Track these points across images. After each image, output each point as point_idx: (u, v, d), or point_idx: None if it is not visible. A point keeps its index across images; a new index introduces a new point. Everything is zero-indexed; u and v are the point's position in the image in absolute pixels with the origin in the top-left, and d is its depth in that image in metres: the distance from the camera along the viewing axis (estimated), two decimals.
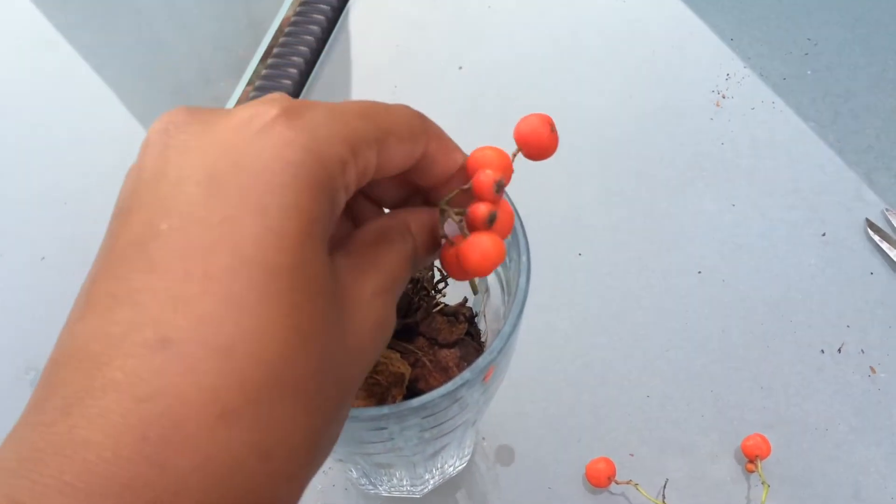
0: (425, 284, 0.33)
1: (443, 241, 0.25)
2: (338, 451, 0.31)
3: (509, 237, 0.29)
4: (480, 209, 0.24)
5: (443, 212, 0.25)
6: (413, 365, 0.31)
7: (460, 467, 0.42)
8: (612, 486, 0.43)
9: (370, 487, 0.41)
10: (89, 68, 0.61)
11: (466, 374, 0.26)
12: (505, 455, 0.44)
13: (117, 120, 0.58)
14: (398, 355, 0.30)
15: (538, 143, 0.27)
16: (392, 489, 0.41)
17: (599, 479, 0.42)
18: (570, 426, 0.45)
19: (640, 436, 0.44)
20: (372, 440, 0.29)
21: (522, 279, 0.28)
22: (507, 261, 0.31)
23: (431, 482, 0.40)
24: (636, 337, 0.47)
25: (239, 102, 0.58)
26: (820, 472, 0.43)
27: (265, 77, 0.58)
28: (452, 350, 0.32)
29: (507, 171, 0.26)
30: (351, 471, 0.38)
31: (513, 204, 0.29)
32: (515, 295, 0.28)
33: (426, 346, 0.32)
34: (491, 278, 0.33)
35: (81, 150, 0.57)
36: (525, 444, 0.45)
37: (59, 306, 0.51)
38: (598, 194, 0.52)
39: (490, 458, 0.44)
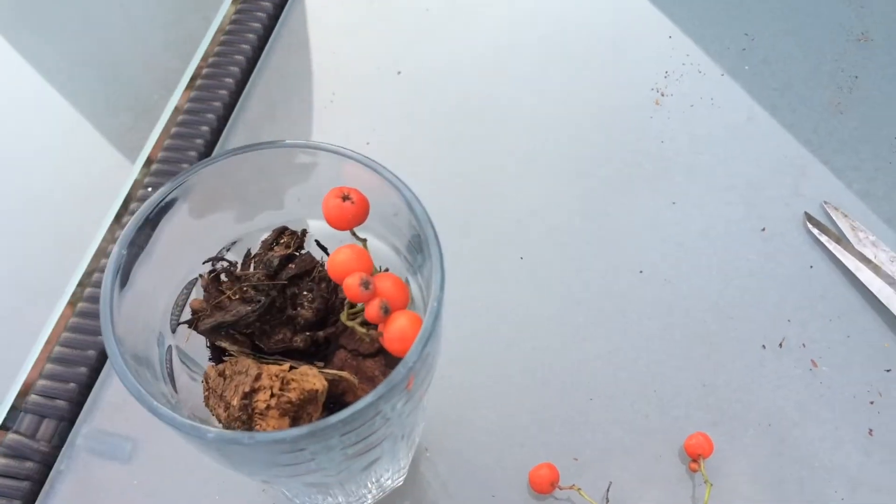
0: (341, 297, 0.33)
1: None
2: (259, 474, 0.30)
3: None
4: (370, 312, 0.28)
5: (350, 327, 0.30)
6: (336, 379, 0.31)
7: (400, 480, 0.41)
8: (556, 492, 0.42)
9: None
10: (23, 59, 0.60)
11: (381, 388, 0.25)
12: (448, 464, 0.44)
13: (53, 117, 0.57)
14: (315, 371, 0.29)
15: (332, 217, 0.30)
16: None
17: (542, 486, 0.42)
18: (513, 432, 0.44)
19: (584, 439, 0.44)
20: (291, 462, 0.28)
21: (437, 278, 0.27)
22: (419, 267, 0.31)
23: (370, 496, 0.39)
24: (578, 339, 0.47)
25: (173, 115, 0.57)
26: (764, 468, 0.43)
27: (200, 88, 0.57)
28: (377, 359, 0.31)
29: (365, 266, 0.29)
30: (284, 491, 0.37)
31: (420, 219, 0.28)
32: (429, 305, 0.27)
33: (349, 359, 0.31)
34: (414, 290, 0.32)
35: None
36: (468, 452, 0.44)
37: None
38: (537, 196, 0.52)
39: (433, 467, 0.44)
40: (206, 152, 0.54)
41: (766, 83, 0.56)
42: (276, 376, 0.28)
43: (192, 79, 0.58)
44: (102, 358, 0.47)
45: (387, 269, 0.31)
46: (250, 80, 0.58)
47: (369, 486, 0.37)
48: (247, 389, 0.28)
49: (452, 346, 0.47)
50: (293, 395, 0.27)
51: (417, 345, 0.26)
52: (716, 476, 0.42)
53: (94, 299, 0.48)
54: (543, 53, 0.58)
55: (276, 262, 0.31)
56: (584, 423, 0.44)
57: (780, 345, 0.46)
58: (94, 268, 0.50)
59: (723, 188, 0.51)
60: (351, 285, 0.28)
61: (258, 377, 0.28)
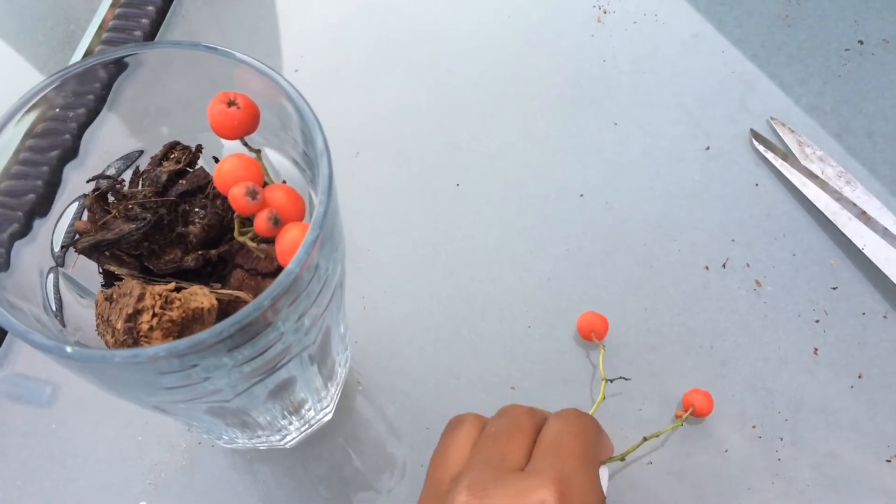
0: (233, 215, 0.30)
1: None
2: (145, 398, 0.28)
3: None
4: (259, 224, 0.26)
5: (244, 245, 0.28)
6: (234, 301, 0.29)
7: (328, 413, 0.40)
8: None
9: (229, 443, 0.38)
10: None
11: (263, 295, 0.23)
12: (383, 398, 0.42)
13: None
14: (205, 290, 0.27)
15: (216, 124, 0.27)
16: (256, 442, 0.38)
17: (585, 332, 0.42)
18: (449, 364, 0.43)
19: (522, 368, 0.42)
20: (180, 384, 0.26)
21: (324, 176, 0.25)
22: (313, 179, 0.29)
23: (293, 429, 0.38)
24: (517, 267, 0.45)
25: (89, 48, 0.53)
26: (706, 391, 0.41)
27: (120, 17, 0.54)
28: (276, 278, 0.29)
29: (254, 176, 0.27)
30: (195, 426, 0.35)
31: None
32: (316, 206, 0.25)
33: (246, 278, 0.29)
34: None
35: None
36: (403, 385, 0.42)
37: None
38: (474, 120, 0.50)
39: (367, 401, 0.42)
40: None
41: None
42: (160, 295, 0.26)
43: (113, 5, 0.55)
44: None
45: (283, 182, 0.29)
46: (171, 7, 0.55)
47: (287, 416, 0.35)
48: (130, 311, 0.26)
49: (386, 278, 0.45)
50: (175, 314, 0.25)
51: (304, 246, 0.24)
52: (654, 401, 0.41)
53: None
54: None
55: (164, 177, 0.29)
56: (521, 353, 0.43)
57: (724, 265, 0.45)
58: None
59: (667, 107, 0.49)
60: (236, 195, 0.26)
61: (141, 297, 0.26)
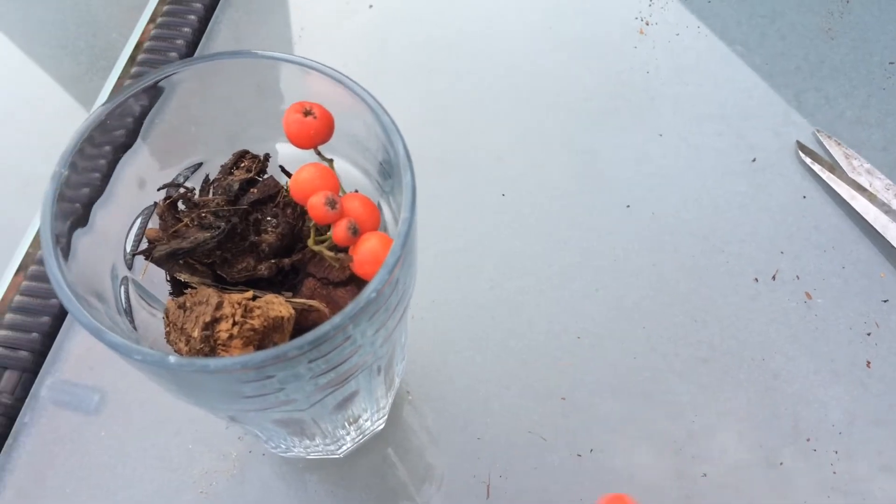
0: (309, 224, 0.30)
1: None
2: (225, 407, 0.28)
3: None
4: (338, 234, 0.26)
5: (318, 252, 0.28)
6: (308, 308, 0.28)
7: (380, 423, 0.40)
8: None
9: (283, 451, 0.38)
10: None
11: (349, 308, 0.23)
12: (432, 408, 0.42)
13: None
14: (281, 299, 0.27)
15: (292, 133, 0.28)
16: (309, 451, 0.38)
17: None
18: (498, 374, 0.43)
19: (572, 379, 0.42)
20: (259, 392, 0.26)
21: (407, 193, 0.25)
22: (391, 191, 0.29)
23: (349, 439, 0.37)
24: (564, 278, 0.45)
25: (133, 54, 0.54)
26: (758, 405, 0.41)
27: (161, 26, 0.54)
28: (348, 288, 0.29)
29: (331, 185, 0.27)
30: (258, 434, 0.35)
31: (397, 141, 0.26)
32: (400, 222, 0.25)
33: (318, 287, 0.29)
34: (387, 216, 0.30)
35: None
36: (452, 395, 0.42)
37: None
38: (519, 131, 0.50)
39: (416, 411, 0.42)
40: None
41: (755, 10, 0.53)
42: (239, 304, 0.26)
43: (151, 18, 0.55)
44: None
45: (356, 191, 0.29)
46: (213, 17, 0.56)
47: (347, 426, 0.35)
48: (207, 319, 0.26)
49: (434, 287, 0.45)
50: (256, 322, 0.25)
51: (387, 263, 0.24)
52: (707, 413, 0.41)
53: None
54: None
55: (235, 186, 0.29)
56: (571, 364, 0.43)
57: (773, 277, 0.44)
58: None
59: (711, 118, 0.49)
60: (315, 204, 0.26)
61: (219, 306, 0.26)
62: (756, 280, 0.44)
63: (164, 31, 0.54)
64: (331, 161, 0.29)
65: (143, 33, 0.54)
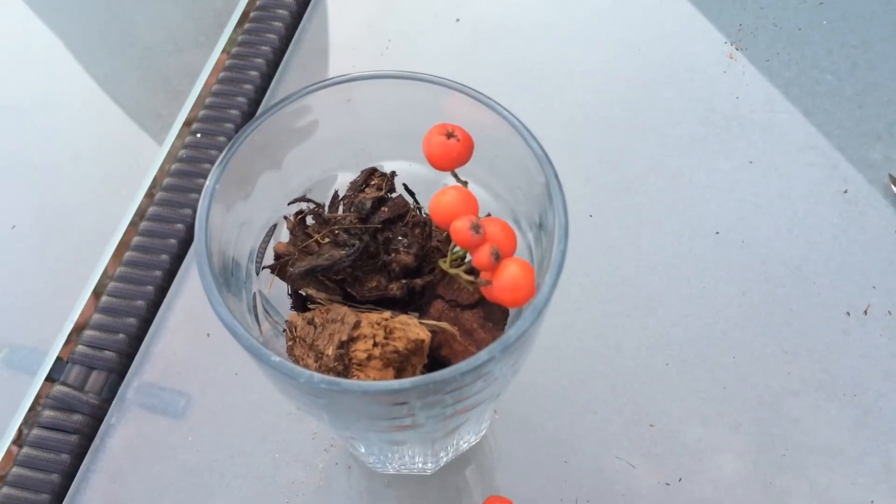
0: (438, 242, 0.30)
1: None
2: (351, 427, 0.28)
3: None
4: (480, 259, 0.25)
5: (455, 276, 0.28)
6: (433, 330, 0.28)
7: (474, 443, 0.39)
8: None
9: (378, 465, 0.38)
10: (51, 32, 0.57)
11: (497, 346, 0.23)
12: (517, 428, 0.42)
13: (81, 86, 0.54)
14: (416, 320, 0.27)
15: (434, 155, 0.27)
16: (402, 467, 0.38)
17: None
18: (585, 398, 0.42)
19: (659, 406, 0.42)
20: (390, 416, 0.26)
21: (559, 244, 0.25)
22: (525, 213, 0.28)
23: (445, 459, 0.37)
24: (651, 303, 0.45)
25: (217, 66, 0.54)
26: (849, 441, 0.41)
27: (247, 31, 0.54)
28: (475, 311, 0.29)
29: (472, 209, 0.27)
30: (360, 448, 0.35)
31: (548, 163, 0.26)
32: (551, 263, 0.25)
33: (446, 309, 0.29)
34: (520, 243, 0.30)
35: (45, 117, 0.53)
36: (538, 417, 0.42)
37: (31, 277, 0.47)
38: (606, 153, 0.49)
39: (503, 432, 0.42)
40: (256, 98, 0.52)
41: (845, 39, 0.53)
42: (378, 324, 0.26)
43: (232, 35, 0.55)
44: (152, 308, 0.45)
45: (489, 215, 0.29)
46: (300, 26, 0.56)
47: (448, 448, 0.35)
48: (344, 338, 0.26)
49: None
50: (400, 345, 0.25)
51: (543, 293, 0.23)
52: (797, 448, 0.40)
53: (143, 248, 0.46)
54: (611, 4, 0.55)
55: (368, 204, 0.29)
56: (658, 391, 0.42)
57: (865, 312, 0.44)
58: (142, 216, 0.48)
59: (802, 148, 0.49)
60: (460, 229, 0.26)
61: (357, 325, 0.26)
62: (848, 314, 0.44)
63: (251, 36, 0.54)
64: (465, 183, 0.28)
65: (228, 40, 0.54)
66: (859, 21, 0.54)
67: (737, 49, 0.53)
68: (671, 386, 0.42)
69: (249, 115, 0.51)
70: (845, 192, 0.47)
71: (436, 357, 0.28)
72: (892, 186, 0.47)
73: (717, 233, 0.46)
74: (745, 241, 0.46)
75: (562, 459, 0.41)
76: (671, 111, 0.51)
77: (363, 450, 0.35)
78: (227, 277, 0.26)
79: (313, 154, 0.31)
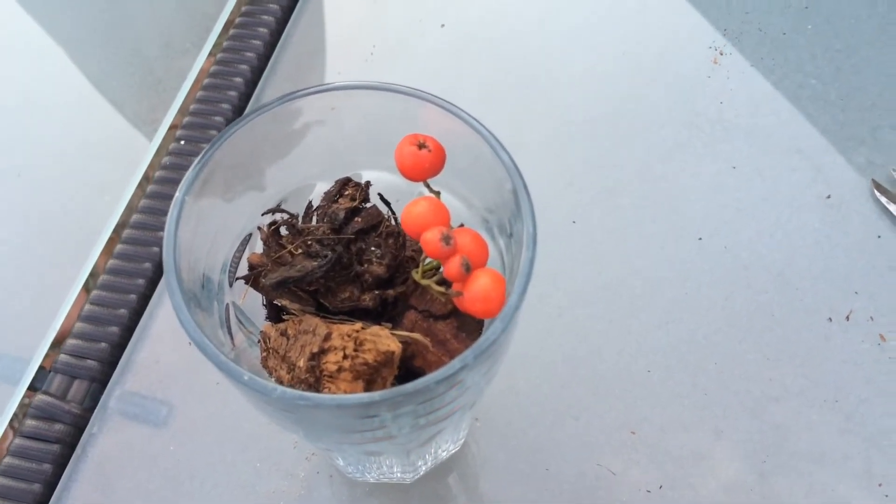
0: (412, 252, 0.30)
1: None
2: (324, 439, 0.28)
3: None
4: (451, 270, 0.25)
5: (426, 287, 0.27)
6: (406, 341, 0.28)
7: (454, 451, 0.39)
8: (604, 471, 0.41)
9: (357, 475, 0.38)
10: (43, 33, 0.57)
11: (469, 355, 0.23)
12: (499, 436, 0.42)
13: (71, 87, 0.54)
14: (387, 332, 0.27)
15: (405, 166, 0.27)
16: (381, 476, 0.38)
17: None
18: (567, 404, 0.42)
19: (641, 412, 0.42)
20: (362, 428, 0.26)
21: (528, 252, 0.25)
22: (497, 224, 0.28)
23: (424, 468, 0.37)
24: (634, 308, 0.45)
25: (202, 71, 0.54)
26: (830, 446, 0.41)
27: (232, 37, 0.54)
28: (448, 321, 0.29)
29: (443, 220, 0.26)
30: (338, 459, 0.35)
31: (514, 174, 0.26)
32: (519, 271, 0.25)
33: (419, 320, 0.29)
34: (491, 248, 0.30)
35: (33, 118, 0.53)
36: (519, 424, 0.42)
37: (13, 286, 0.47)
38: (590, 158, 0.49)
39: (483, 439, 0.42)
40: (240, 105, 0.52)
41: (830, 44, 0.53)
42: (349, 336, 0.26)
43: (220, 35, 0.55)
44: (135, 317, 0.45)
45: (461, 225, 0.29)
46: (284, 34, 0.56)
47: (426, 458, 0.35)
48: (315, 350, 0.26)
49: None
50: (369, 357, 0.25)
51: (511, 303, 0.23)
52: (779, 453, 0.40)
53: (126, 256, 0.46)
54: (595, 8, 0.55)
55: (341, 214, 0.29)
56: (641, 397, 0.42)
57: (847, 317, 0.44)
58: (125, 223, 0.48)
59: (785, 152, 0.49)
60: (430, 240, 0.25)
61: (328, 337, 0.26)
62: (830, 320, 0.44)
63: (236, 42, 0.54)
64: (438, 193, 0.28)
65: (212, 48, 0.54)
66: (843, 26, 0.54)
67: (721, 53, 0.53)
68: (653, 392, 0.42)
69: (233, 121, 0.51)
70: (828, 196, 0.47)
71: (409, 368, 0.28)
72: (875, 191, 0.47)
73: (700, 238, 0.46)
74: (727, 245, 0.46)
75: (543, 466, 0.41)
76: (655, 115, 0.51)
77: (341, 461, 0.35)
78: (197, 291, 0.26)
79: (290, 164, 0.31)
